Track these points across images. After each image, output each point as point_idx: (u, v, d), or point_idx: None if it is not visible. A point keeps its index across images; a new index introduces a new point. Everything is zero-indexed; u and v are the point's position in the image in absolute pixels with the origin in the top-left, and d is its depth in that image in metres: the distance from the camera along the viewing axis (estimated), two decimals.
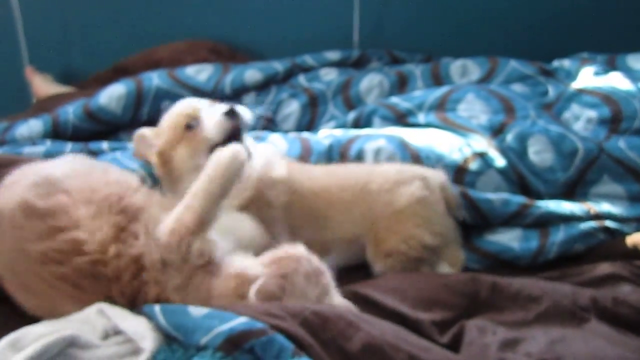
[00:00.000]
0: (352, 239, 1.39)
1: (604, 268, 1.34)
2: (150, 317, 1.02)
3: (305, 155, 1.57)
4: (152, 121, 2.03)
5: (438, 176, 1.46)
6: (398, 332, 1.06)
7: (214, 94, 2.05)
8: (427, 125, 1.76)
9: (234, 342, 0.94)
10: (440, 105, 1.82)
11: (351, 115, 1.92)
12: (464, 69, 2.09)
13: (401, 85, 2.09)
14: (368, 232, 1.39)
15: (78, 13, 2.39)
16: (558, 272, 1.37)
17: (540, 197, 1.57)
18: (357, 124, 1.90)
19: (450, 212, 1.44)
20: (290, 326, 0.98)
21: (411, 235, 1.36)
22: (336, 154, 1.59)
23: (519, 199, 1.49)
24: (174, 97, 2.01)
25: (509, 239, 1.46)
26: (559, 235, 1.44)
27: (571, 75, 1.96)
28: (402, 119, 1.84)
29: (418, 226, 1.37)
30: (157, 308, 1.02)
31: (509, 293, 1.21)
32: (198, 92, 2.04)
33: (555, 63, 2.09)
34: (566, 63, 2.05)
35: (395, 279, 1.28)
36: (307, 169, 1.49)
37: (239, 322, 0.96)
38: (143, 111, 1.98)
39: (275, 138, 1.69)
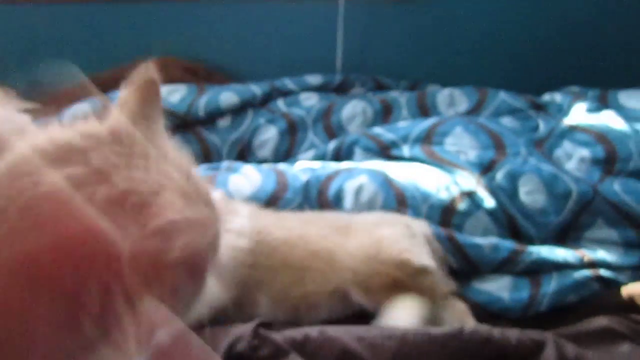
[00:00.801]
0: (334, 289, 1.25)
1: (600, 322, 1.24)
2: None
3: (280, 191, 1.46)
4: None
5: (422, 226, 1.35)
6: None
7: (188, 116, 1.94)
8: (412, 159, 1.66)
9: None
10: (426, 138, 1.72)
11: (332, 145, 1.81)
12: (452, 99, 2.00)
13: (385, 114, 1.99)
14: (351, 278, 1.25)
15: (46, 26, 2.28)
16: (550, 326, 1.27)
17: (531, 240, 1.47)
18: (338, 154, 1.79)
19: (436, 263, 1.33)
20: None
21: (401, 261, 1.24)
22: (314, 192, 1.47)
23: (510, 245, 1.39)
24: None
25: (498, 287, 1.36)
26: (552, 285, 1.33)
27: (563, 110, 1.89)
28: (385, 151, 1.74)
29: (404, 251, 1.25)
30: None
31: (514, 355, 1.08)
32: (170, 114, 1.92)
33: (546, 97, 2.02)
34: (557, 97, 1.97)
35: (395, 339, 1.10)
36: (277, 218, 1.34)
37: None
38: None
39: (248, 170, 1.57)
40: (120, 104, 0.64)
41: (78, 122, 0.57)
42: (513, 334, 1.11)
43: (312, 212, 1.43)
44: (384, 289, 1.23)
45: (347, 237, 1.28)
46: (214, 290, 1.13)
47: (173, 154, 0.61)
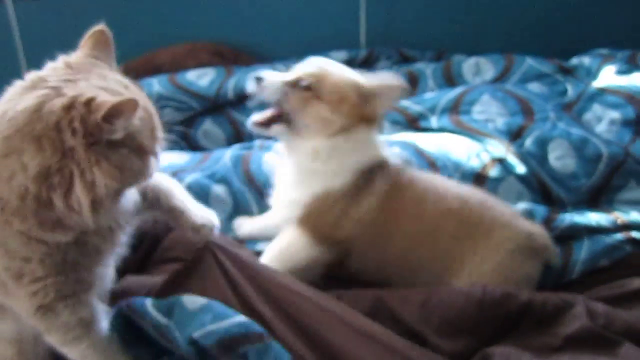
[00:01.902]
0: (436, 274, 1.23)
1: (635, 284, 1.25)
2: (141, 313, 0.98)
3: None
4: None
5: (547, 239, 1.28)
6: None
7: (217, 98, 1.98)
8: (441, 129, 1.68)
9: (227, 345, 0.88)
10: (453, 108, 1.73)
11: None
12: (478, 68, 2.00)
13: (412, 85, 2.00)
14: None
15: (76, 17, 2.32)
16: (585, 289, 1.28)
17: (564, 204, 1.49)
18: None
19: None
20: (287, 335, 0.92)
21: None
22: None
23: (544, 210, 1.40)
24: (176, 103, 1.95)
25: None
26: (583, 252, 1.33)
27: (591, 74, 1.87)
28: (413, 123, 1.76)
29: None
30: (148, 301, 0.98)
31: (540, 314, 1.11)
32: (200, 97, 1.97)
33: (574, 60, 2.00)
34: (586, 60, 1.95)
35: (425, 292, 1.16)
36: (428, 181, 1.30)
37: (235, 322, 0.91)
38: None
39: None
40: (80, 47, 0.93)
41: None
42: (540, 294, 1.14)
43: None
44: None
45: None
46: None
47: (112, 75, 0.90)
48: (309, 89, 1.22)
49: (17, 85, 0.86)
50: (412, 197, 1.24)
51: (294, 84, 1.23)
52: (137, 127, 0.85)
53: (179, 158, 1.65)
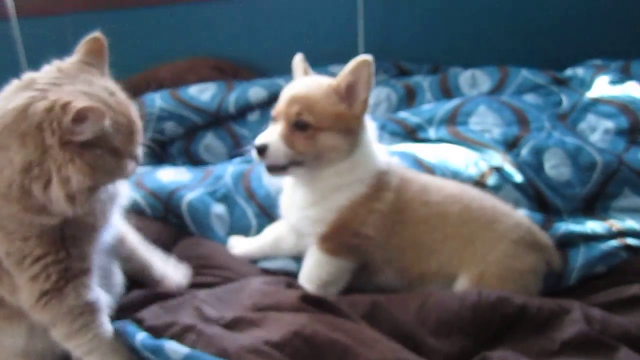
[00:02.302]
0: (452, 275, 1.27)
1: (632, 290, 1.27)
2: (131, 342, 1.00)
3: None
4: (156, 144, 2.01)
5: (549, 241, 1.33)
6: (399, 354, 1.01)
7: (218, 112, 2.01)
8: (439, 140, 1.71)
9: None
10: (451, 119, 1.76)
11: None
12: (474, 80, 2.04)
13: (409, 98, 2.04)
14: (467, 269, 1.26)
15: (79, 33, 2.36)
16: (582, 295, 1.30)
17: (559, 212, 1.51)
18: None
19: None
20: None
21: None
22: None
23: (539, 219, 1.43)
24: (178, 118, 1.98)
25: None
26: (579, 259, 1.36)
27: (585, 84, 1.90)
28: (412, 134, 1.78)
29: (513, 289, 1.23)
30: (138, 336, 1.00)
31: (536, 318, 1.13)
32: (202, 111, 2.00)
33: (568, 71, 2.03)
34: (580, 71, 1.99)
35: (421, 296, 1.20)
36: (425, 182, 1.34)
37: None
38: (146, 133, 1.93)
39: None
40: (75, 52, 1.01)
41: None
42: (535, 299, 1.16)
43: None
44: None
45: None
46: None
47: (101, 81, 0.97)
48: (307, 126, 1.20)
49: (14, 84, 0.95)
50: (417, 186, 1.29)
51: (291, 130, 1.21)
52: (111, 131, 0.92)
53: (182, 175, 1.67)
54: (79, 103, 0.87)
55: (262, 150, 1.21)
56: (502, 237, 1.25)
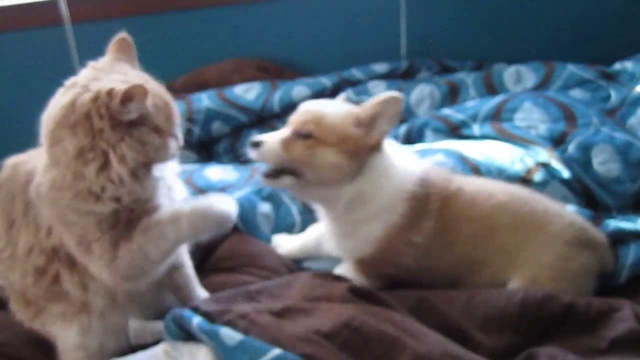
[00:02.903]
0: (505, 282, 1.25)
1: None
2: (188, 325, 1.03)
3: None
4: (203, 142, 2.07)
5: (603, 238, 1.31)
6: (446, 346, 1.01)
7: (263, 111, 2.05)
8: (483, 137, 1.70)
9: None
10: (495, 115, 1.76)
11: (402, 129, 1.88)
12: (518, 76, 2.02)
13: (453, 95, 2.03)
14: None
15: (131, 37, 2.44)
16: (632, 294, 1.27)
17: (609, 209, 1.49)
18: (409, 137, 1.85)
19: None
20: (329, 355, 0.94)
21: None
22: None
23: (587, 214, 1.41)
24: (224, 117, 2.04)
25: None
26: (630, 256, 1.33)
27: (635, 78, 1.86)
28: (455, 131, 1.79)
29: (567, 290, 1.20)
30: (195, 320, 1.02)
31: (584, 316, 1.12)
32: (247, 110, 2.05)
33: (617, 66, 1.99)
34: (629, 65, 1.94)
35: (468, 292, 1.19)
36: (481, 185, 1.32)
37: (272, 356, 0.93)
38: (194, 132, 2.00)
39: None
40: (107, 52, 1.12)
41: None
42: (583, 298, 1.15)
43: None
44: None
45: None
46: None
47: (134, 72, 1.08)
48: (309, 137, 1.19)
49: (59, 92, 1.05)
50: (464, 201, 1.25)
51: (294, 137, 1.20)
52: (152, 111, 1.01)
53: (229, 174, 1.71)
54: (123, 86, 0.97)
55: (256, 145, 1.20)
56: (555, 238, 1.23)
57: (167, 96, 1.08)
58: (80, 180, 1.00)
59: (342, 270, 1.31)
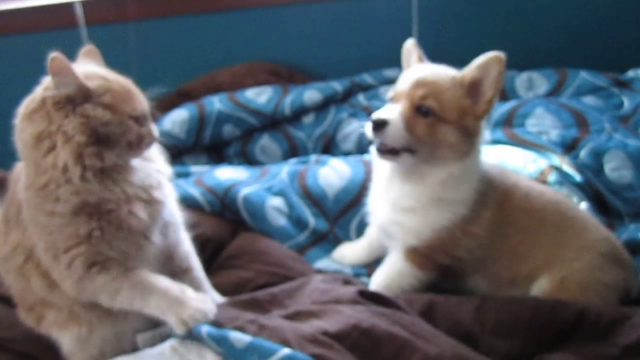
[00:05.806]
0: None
1: None
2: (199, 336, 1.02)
3: (369, 181, 1.54)
4: (215, 145, 2.07)
5: (631, 261, 1.29)
6: (457, 348, 1.01)
7: (274, 115, 2.06)
8: (495, 142, 1.70)
9: None
10: (507, 121, 1.75)
11: None
12: (530, 82, 2.02)
13: None
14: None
15: (142, 38, 2.45)
16: None
17: (621, 216, 1.48)
18: None
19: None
20: (338, 356, 0.93)
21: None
22: None
23: (601, 220, 1.39)
24: (235, 120, 2.04)
25: None
26: None
27: None
28: None
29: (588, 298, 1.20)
30: (203, 329, 1.01)
31: (596, 323, 1.11)
32: (258, 114, 2.06)
33: (630, 73, 1.98)
34: None
35: (479, 298, 1.20)
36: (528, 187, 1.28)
37: (281, 355, 0.93)
38: (205, 135, 2.00)
39: (336, 163, 1.66)
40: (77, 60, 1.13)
41: None
42: (594, 305, 1.14)
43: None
44: None
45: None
46: None
47: (93, 67, 1.08)
48: (430, 113, 1.13)
49: None
50: (520, 195, 1.24)
51: (414, 114, 1.13)
52: (93, 87, 1.00)
53: (239, 173, 1.72)
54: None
55: (380, 125, 1.11)
56: (591, 247, 1.21)
57: (128, 83, 1.07)
58: (42, 174, 1.00)
59: (390, 261, 1.28)
